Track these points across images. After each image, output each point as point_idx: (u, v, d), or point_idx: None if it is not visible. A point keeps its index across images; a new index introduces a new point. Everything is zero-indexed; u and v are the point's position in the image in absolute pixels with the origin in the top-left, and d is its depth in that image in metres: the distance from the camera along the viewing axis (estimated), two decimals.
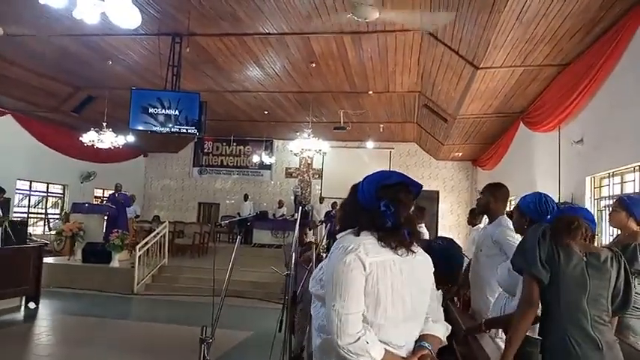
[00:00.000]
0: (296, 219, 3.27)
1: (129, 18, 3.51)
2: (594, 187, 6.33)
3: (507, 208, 3.60)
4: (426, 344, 1.61)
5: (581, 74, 5.90)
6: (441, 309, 1.82)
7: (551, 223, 2.20)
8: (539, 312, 2.19)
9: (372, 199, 1.59)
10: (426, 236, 6.83)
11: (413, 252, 1.59)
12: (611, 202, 5.64)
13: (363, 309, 1.48)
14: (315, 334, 1.62)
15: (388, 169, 1.83)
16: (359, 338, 1.44)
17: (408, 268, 1.56)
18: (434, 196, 15.77)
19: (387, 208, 1.55)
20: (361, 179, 1.72)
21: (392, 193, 1.59)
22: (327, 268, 1.55)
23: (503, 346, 2.93)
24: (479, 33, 5.99)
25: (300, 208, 3.61)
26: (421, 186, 1.70)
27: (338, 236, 1.63)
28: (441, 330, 1.71)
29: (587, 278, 2.07)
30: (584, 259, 2.09)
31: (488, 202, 3.38)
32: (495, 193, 3.37)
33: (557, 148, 7.19)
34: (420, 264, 1.64)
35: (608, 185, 6.06)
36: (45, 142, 13.06)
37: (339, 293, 1.46)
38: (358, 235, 1.56)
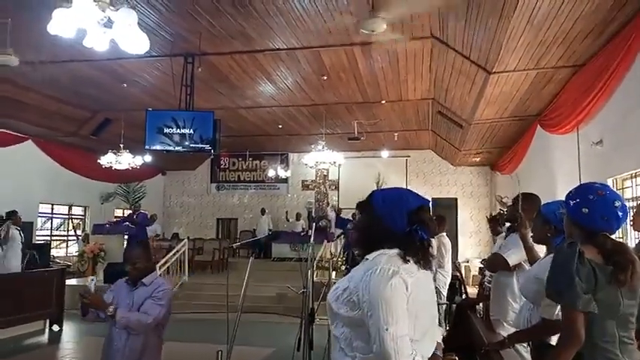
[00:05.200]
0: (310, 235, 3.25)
1: (137, 44, 3.57)
2: (617, 189, 6.17)
3: None
4: (437, 352, 1.72)
5: (597, 74, 5.79)
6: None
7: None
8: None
9: (405, 225, 1.66)
10: (449, 246, 6.73)
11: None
12: (634, 203, 5.49)
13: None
14: (341, 354, 1.63)
15: (397, 188, 1.86)
16: (414, 359, 1.52)
17: (426, 285, 1.70)
18: (452, 204, 15.58)
19: (423, 232, 1.66)
20: (367, 197, 1.79)
21: (420, 216, 1.69)
22: (371, 291, 1.54)
23: (525, 355, 2.86)
24: (489, 38, 5.94)
25: (314, 224, 3.60)
26: (429, 201, 1.82)
27: (369, 257, 1.66)
28: (440, 334, 1.83)
29: (621, 300, 1.85)
30: None
31: (515, 211, 3.29)
32: (524, 202, 3.29)
33: (576, 150, 7.05)
34: (430, 278, 1.77)
35: (631, 186, 5.91)
36: (65, 166, 13.30)
37: (390, 316, 1.50)
38: (406, 260, 1.61)
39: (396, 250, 1.62)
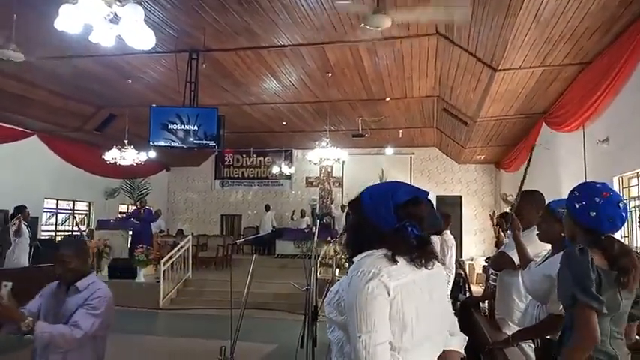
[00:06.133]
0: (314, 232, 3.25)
1: (143, 39, 3.57)
2: (622, 188, 6.14)
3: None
4: None
5: (604, 72, 5.75)
6: (456, 319, 1.77)
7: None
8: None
9: (393, 221, 1.52)
10: (452, 241, 6.69)
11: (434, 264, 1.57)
12: None
13: (390, 337, 1.42)
14: (335, 359, 1.56)
15: (389, 182, 1.71)
16: None
17: (428, 286, 1.52)
18: (456, 202, 15.55)
19: (413, 228, 1.50)
20: (358, 195, 1.66)
21: (409, 211, 1.54)
22: (349, 295, 1.45)
23: (530, 353, 2.85)
24: (495, 35, 5.91)
25: (318, 221, 3.58)
26: (427, 193, 1.65)
27: (355, 259, 1.55)
28: (459, 343, 1.67)
29: (620, 301, 1.87)
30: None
31: (521, 210, 3.26)
32: (523, 200, 3.26)
33: (581, 148, 7.02)
34: (437, 277, 1.59)
35: (637, 185, 5.88)
36: (70, 161, 13.34)
37: (364, 323, 1.39)
38: (394, 260, 1.47)
39: (383, 251, 1.49)
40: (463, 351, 1.69)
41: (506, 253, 3.31)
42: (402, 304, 1.43)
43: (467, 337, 1.72)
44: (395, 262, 1.46)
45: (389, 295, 1.42)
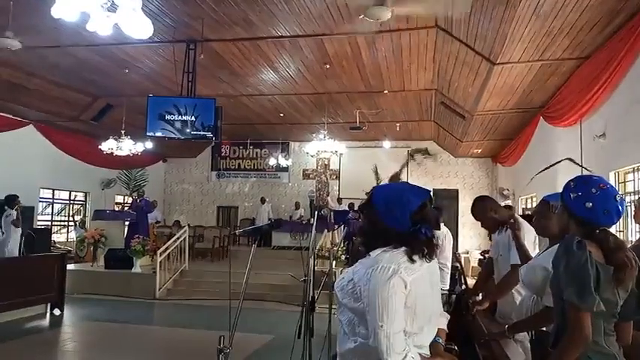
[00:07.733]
0: (312, 223, 3.25)
1: (141, 28, 3.54)
2: (619, 183, 6.16)
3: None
4: (439, 339, 1.79)
5: (602, 67, 5.76)
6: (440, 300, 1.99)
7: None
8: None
9: (409, 225, 1.68)
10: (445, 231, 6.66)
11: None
12: (636, 197, 5.50)
13: (404, 324, 1.60)
14: (345, 337, 1.70)
15: (395, 184, 1.87)
16: (406, 355, 1.56)
17: (429, 277, 1.73)
18: (453, 195, 15.58)
19: (427, 230, 1.68)
20: (368, 197, 1.81)
21: (424, 215, 1.71)
22: (370, 288, 1.60)
23: (526, 344, 2.87)
24: (495, 28, 5.90)
25: (316, 212, 3.59)
26: (429, 192, 1.83)
27: (372, 254, 1.69)
28: (445, 321, 1.90)
29: (618, 300, 1.83)
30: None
31: (493, 218, 3.38)
32: (489, 207, 3.38)
33: (578, 142, 7.04)
34: (434, 268, 1.79)
35: (633, 180, 5.91)
36: (66, 151, 13.27)
37: (386, 314, 1.56)
38: (412, 260, 1.64)
39: (402, 249, 1.65)
40: (446, 327, 1.91)
41: (516, 270, 3.26)
42: (414, 296, 1.62)
43: (449, 315, 1.97)
44: (413, 261, 1.64)
45: (406, 289, 1.60)
